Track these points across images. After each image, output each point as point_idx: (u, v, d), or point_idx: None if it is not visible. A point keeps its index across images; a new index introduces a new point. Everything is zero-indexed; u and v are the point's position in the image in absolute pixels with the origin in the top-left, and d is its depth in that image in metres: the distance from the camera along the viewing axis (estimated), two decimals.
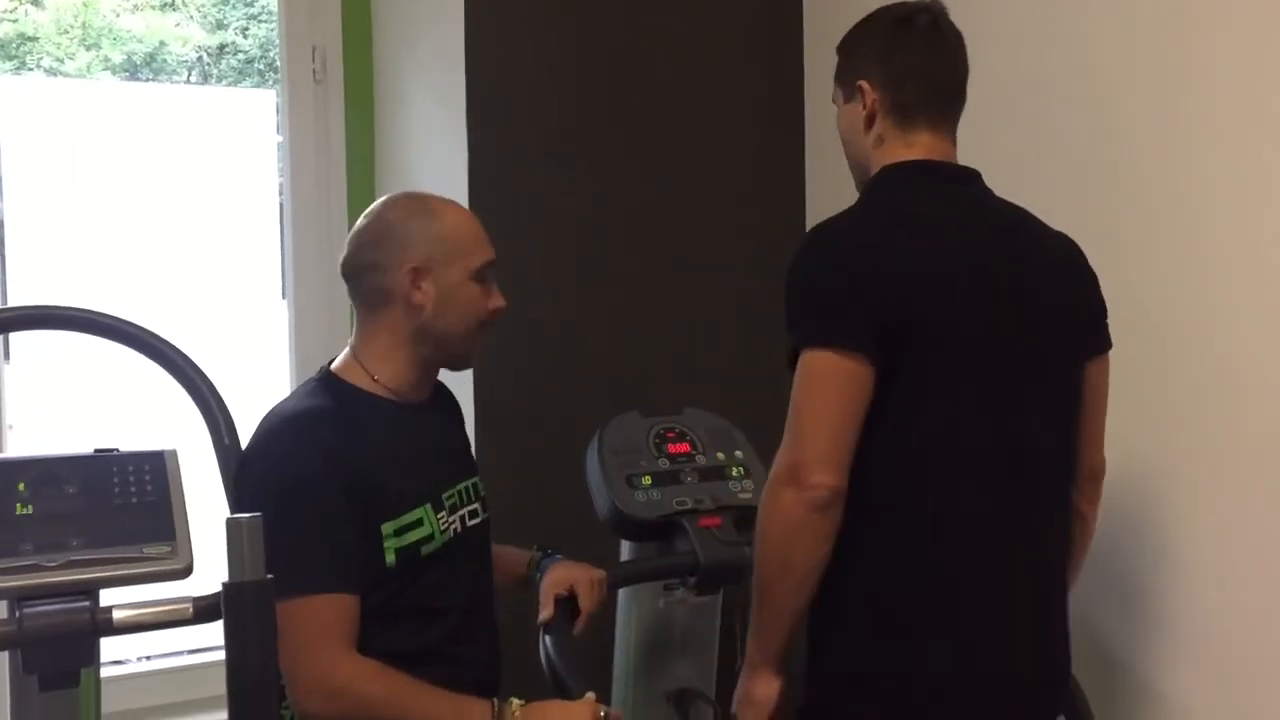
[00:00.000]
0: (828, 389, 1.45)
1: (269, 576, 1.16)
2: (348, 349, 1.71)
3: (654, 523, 2.02)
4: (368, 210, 1.73)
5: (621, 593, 2.14)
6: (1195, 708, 1.91)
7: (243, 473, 1.58)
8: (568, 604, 1.81)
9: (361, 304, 1.70)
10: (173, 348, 1.87)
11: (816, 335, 1.47)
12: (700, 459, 2.12)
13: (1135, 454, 1.97)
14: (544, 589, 1.83)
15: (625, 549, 2.18)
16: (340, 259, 1.71)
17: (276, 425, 1.61)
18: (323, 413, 1.60)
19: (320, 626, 1.49)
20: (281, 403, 1.66)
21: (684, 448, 2.14)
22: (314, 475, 1.53)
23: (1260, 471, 1.81)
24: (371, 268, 1.67)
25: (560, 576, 1.83)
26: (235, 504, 1.58)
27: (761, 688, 1.59)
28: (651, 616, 2.13)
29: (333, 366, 1.70)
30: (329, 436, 1.57)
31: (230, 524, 1.16)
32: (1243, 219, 1.83)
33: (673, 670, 2.16)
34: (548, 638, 1.75)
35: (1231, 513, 1.85)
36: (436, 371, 1.76)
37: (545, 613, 1.79)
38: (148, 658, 2.47)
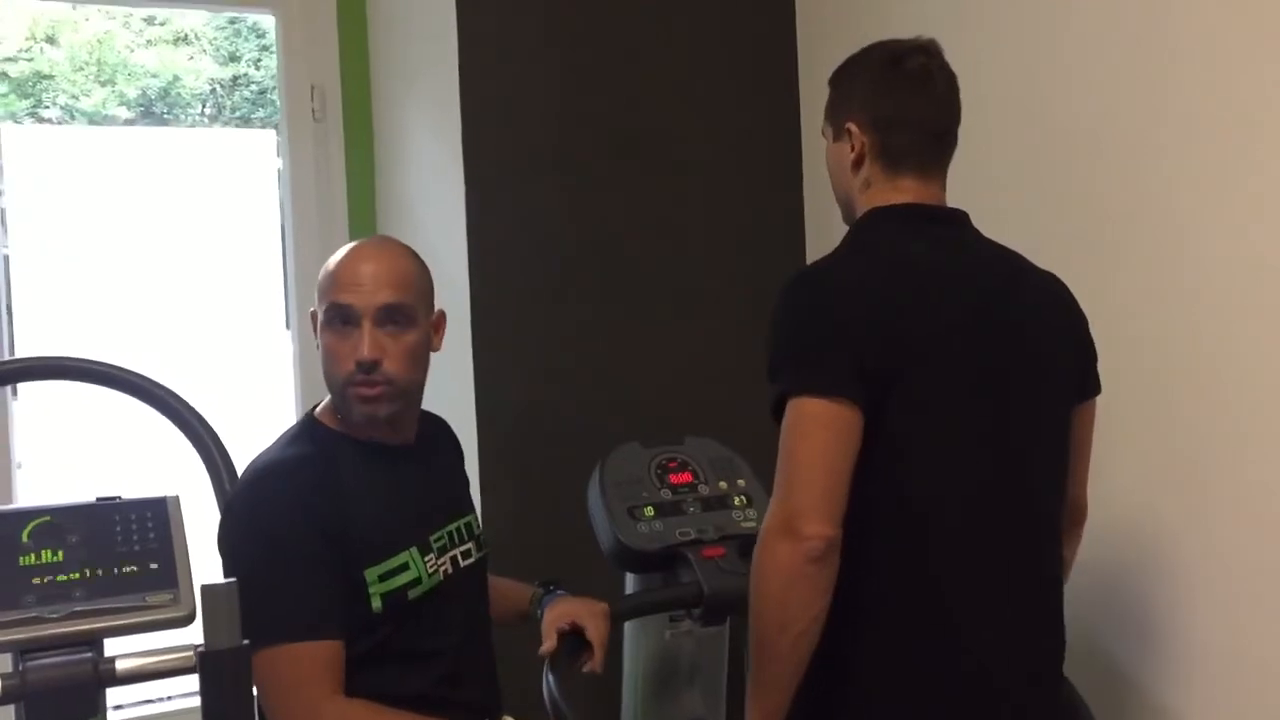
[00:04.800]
0: (817, 437, 1.41)
1: (245, 643, 1.16)
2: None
3: (657, 554, 2.01)
4: None
5: (628, 625, 2.14)
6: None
7: (224, 523, 1.59)
8: (571, 639, 1.80)
9: None
10: (173, 395, 1.89)
11: (802, 382, 1.44)
12: (703, 489, 2.12)
13: (1134, 470, 1.95)
14: (546, 624, 1.81)
15: (630, 581, 2.17)
16: None
17: (256, 475, 1.62)
18: (301, 460, 1.60)
19: (304, 673, 1.49)
20: (263, 451, 1.66)
21: (686, 477, 2.13)
22: (293, 524, 1.53)
23: (1258, 485, 1.79)
24: None
25: (563, 611, 1.82)
26: (220, 554, 1.58)
27: None
28: (658, 648, 2.13)
29: (316, 411, 1.71)
30: (308, 485, 1.57)
31: (206, 591, 1.16)
32: (1236, 241, 1.81)
33: (682, 702, 2.15)
34: (550, 674, 1.74)
35: (1232, 527, 1.83)
36: (371, 425, 1.66)
37: (548, 644, 1.78)
38: (149, 701, 2.49)
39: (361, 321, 1.60)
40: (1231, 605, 1.83)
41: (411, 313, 1.65)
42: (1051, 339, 1.59)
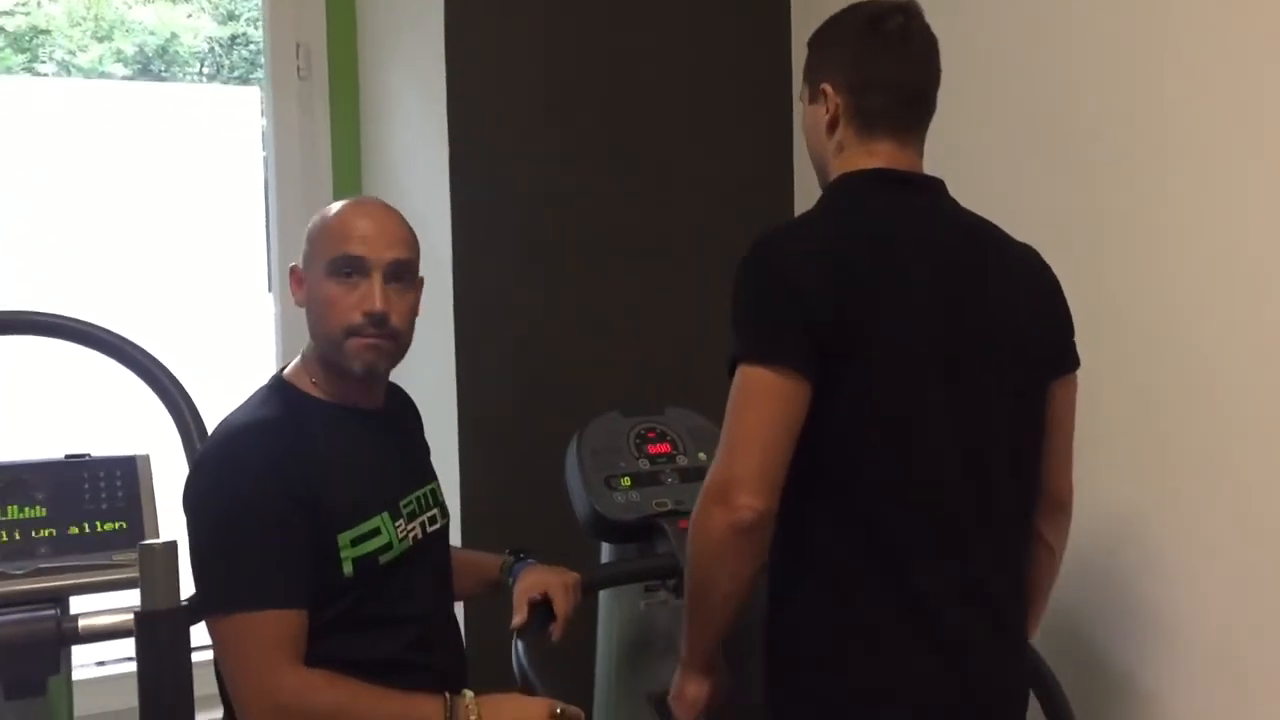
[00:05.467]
0: (761, 406, 1.40)
1: (184, 604, 1.13)
2: (300, 354, 1.68)
3: (632, 524, 2.00)
4: None
5: (603, 594, 2.13)
6: (1179, 709, 1.88)
7: (190, 486, 1.56)
8: (542, 609, 1.79)
9: None
10: (144, 352, 1.87)
11: (752, 350, 1.42)
12: (681, 459, 2.10)
13: (1119, 460, 1.94)
14: (517, 593, 1.80)
15: (605, 550, 2.16)
16: None
17: (224, 437, 1.58)
18: (272, 423, 1.57)
19: (265, 643, 1.46)
20: (232, 413, 1.62)
21: (665, 448, 2.11)
22: (260, 489, 1.50)
23: (1239, 477, 1.78)
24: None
25: (534, 581, 1.81)
26: (185, 517, 1.55)
27: (692, 688, 1.60)
28: (633, 618, 2.11)
29: (285, 373, 1.67)
30: (278, 448, 1.54)
31: (143, 550, 1.14)
32: (1225, 222, 1.79)
33: (655, 672, 2.13)
34: (520, 643, 1.73)
35: (1215, 517, 1.82)
36: (369, 377, 1.66)
37: (518, 618, 1.76)
38: (130, 659, 2.47)
39: (371, 273, 1.59)
40: (1212, 596, 1.83)
41: (414, 271, 1.67)
42: (1024, 311, 1.56)
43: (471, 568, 1.88)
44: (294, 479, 1.53)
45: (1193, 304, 1.84)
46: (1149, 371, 1.91)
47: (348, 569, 1.56)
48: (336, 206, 1.66)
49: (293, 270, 1.65)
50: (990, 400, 1.51)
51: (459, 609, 1.90)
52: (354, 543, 1.57)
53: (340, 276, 1.59)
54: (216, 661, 1.54)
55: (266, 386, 1.66)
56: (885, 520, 1.46)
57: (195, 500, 1.55)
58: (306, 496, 1.53)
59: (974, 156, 1.85)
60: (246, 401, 1.65)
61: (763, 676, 1.57)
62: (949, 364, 1.48)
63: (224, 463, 1.56)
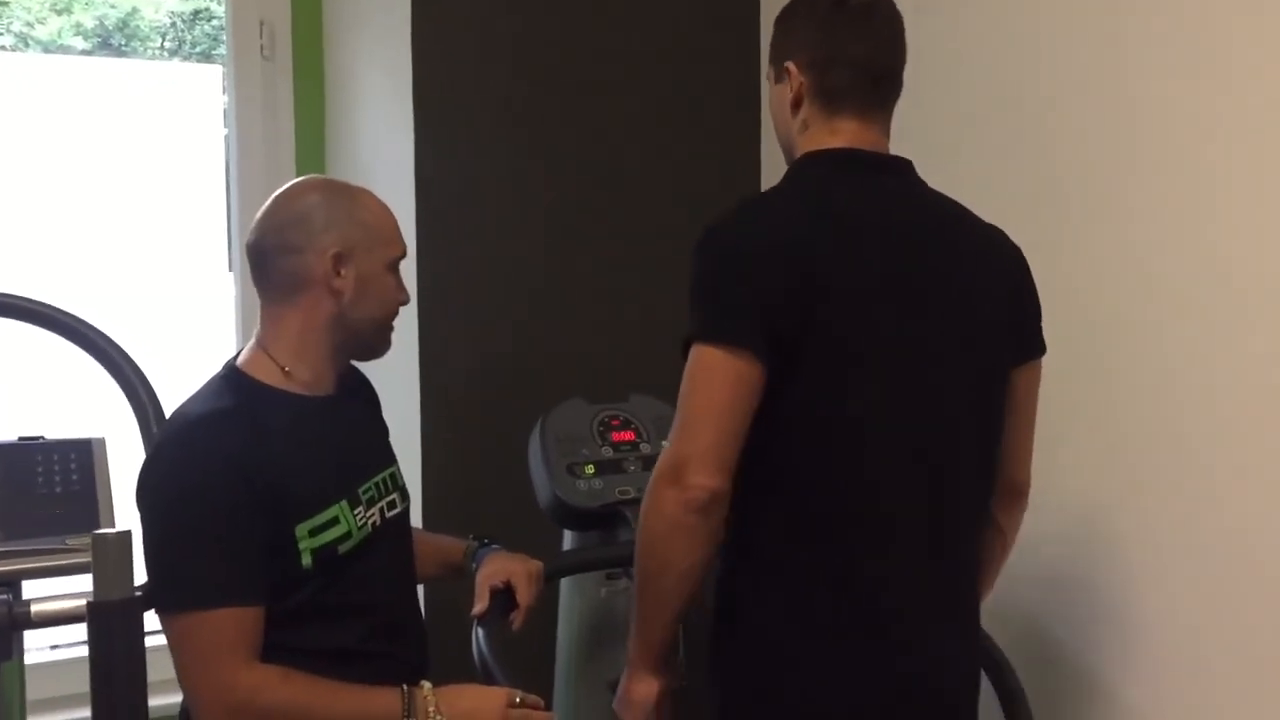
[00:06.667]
0: (713, 387, 1.39)
1: (138, 594, 1.12)
2: (253, 341, 1.64)
3: (595, 512, 2.01)
4: (280, 192, 1.65)
5: (564, 582, 2.13)
6: (1141, 705, 1.90)
7: (143, 480, 1.52)
8: (503, 597, 1.78)
9: (271, 290, 1.62)
10: (99, 333, 1.84)
11: (706, 330, 1.41)
12: (645, 447, 2.11)
13: (1082, 455, 1.96)
14: (479, 581, 1.79)
15: (568, 538, 2.16)
16: (247, 241, 1.64)
17: (178, 430, 1.55)
18: (227, 415, 1.54)
19: (219, 641, 1.45)
20: (185, 404, 1.59)
21: (629, 435, 2.12)
22: (215, 483, 1.48)
23: (1203, 472, 1.80)
24: (287, 250, 1.59)
25: (497, 568, 1.79)
26: (139, 511, 1.52)
27: (641, 688, 1.57)
28: (594, 605, 2.12)
29: (238, 362, 1.64)
30: (233, 441, 1.51)
31: (96, 540, 1.12)
32: (1194, 216, 1.81)
33: (615, 659, 2.12)
34: (480, 631, 1.73)
35: (1179, 513, 1.84)
36: (347, 361, 1.71)
37: (480, 605, 1.75)
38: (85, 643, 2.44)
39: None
40: (1176, 594, 1.84)
41: None
42: (987, 295, 1.54)
43: (433, 550, 1.87)
44: (249, 472, 1.50)
45: (1160, 299, 1.85)
46: (1113, 366, 1.92)
47: (306, 560, 1.54)
48: (365, 198, 1.68)
49: (340, 256, 1.59)
50: (948, 389, 1.50)
51: (420, 594, 1.89)
52: (312, 533, 1.55)
53: (396, 271, 1.68)
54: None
55: (220, 376, 1.63)
56: (835, 515, 1.46)
57: (149, 495, 1.52)
58: (262, 489, 1.50)
59: (939, 141, 1.85)
60: (199, 391, 1.61)
61: (707, 671, 1.57)
62: (905, 353, 1.47)
63: (177, 456, 1.53)
